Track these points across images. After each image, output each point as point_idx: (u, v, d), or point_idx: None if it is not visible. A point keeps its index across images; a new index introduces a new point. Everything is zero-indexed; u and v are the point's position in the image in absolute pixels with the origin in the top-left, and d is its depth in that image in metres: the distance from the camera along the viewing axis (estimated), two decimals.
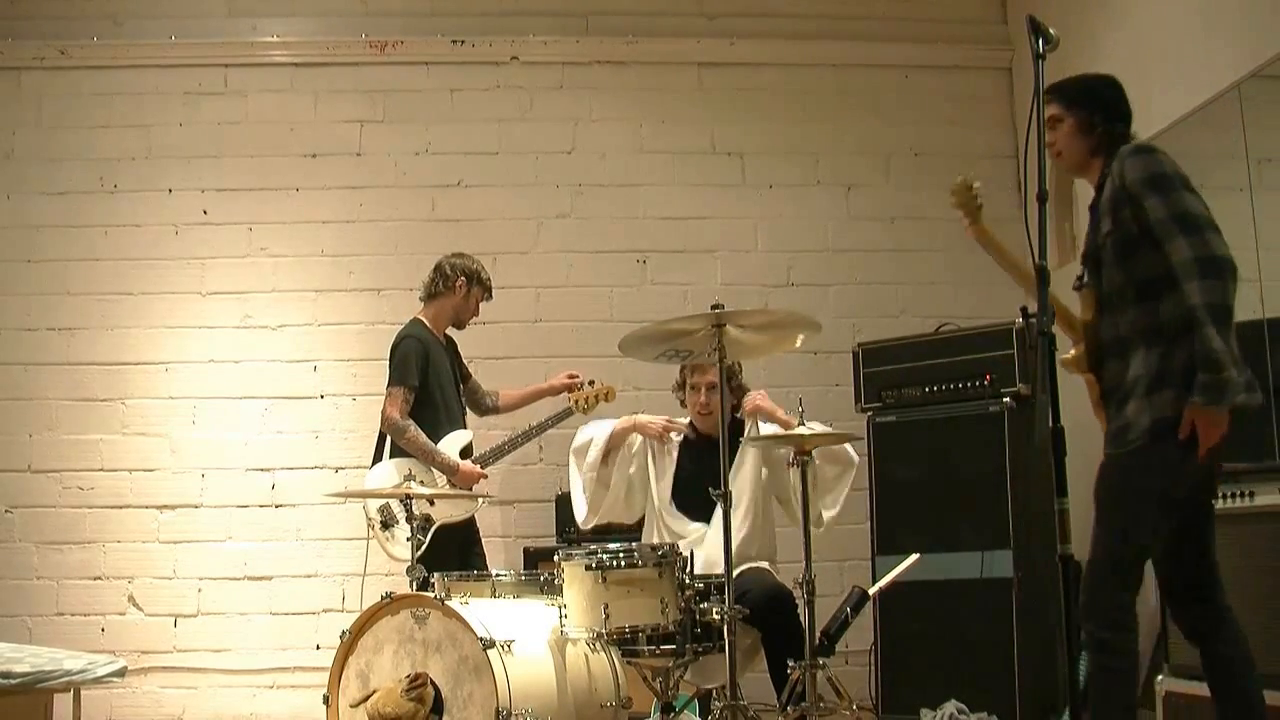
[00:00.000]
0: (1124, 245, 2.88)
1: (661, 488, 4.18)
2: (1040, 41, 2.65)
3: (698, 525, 4.08)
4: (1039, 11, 2.84)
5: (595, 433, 4.25)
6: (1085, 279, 3.03)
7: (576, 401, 4.71)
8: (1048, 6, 4.90)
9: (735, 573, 3.55)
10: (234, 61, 5.75)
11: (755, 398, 4.18)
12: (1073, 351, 3.06)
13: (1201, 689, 2.99)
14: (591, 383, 4.80)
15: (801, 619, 3.59)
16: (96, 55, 5.67)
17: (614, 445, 4.24)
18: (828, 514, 4.05)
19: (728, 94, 5.91)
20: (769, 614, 3.74)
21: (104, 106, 5.68)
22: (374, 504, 4.47)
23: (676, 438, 4.22)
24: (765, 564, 4.06)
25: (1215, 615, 2.84)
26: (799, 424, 3.72)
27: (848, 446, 4.04)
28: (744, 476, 4.10)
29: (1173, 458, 2.75)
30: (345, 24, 5.82)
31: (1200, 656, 2.85)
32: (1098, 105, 3.05)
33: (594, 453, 4.20)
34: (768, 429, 4.11)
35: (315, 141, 5.74)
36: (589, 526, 4.29)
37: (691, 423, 4.25)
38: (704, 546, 3.97)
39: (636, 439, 4.25)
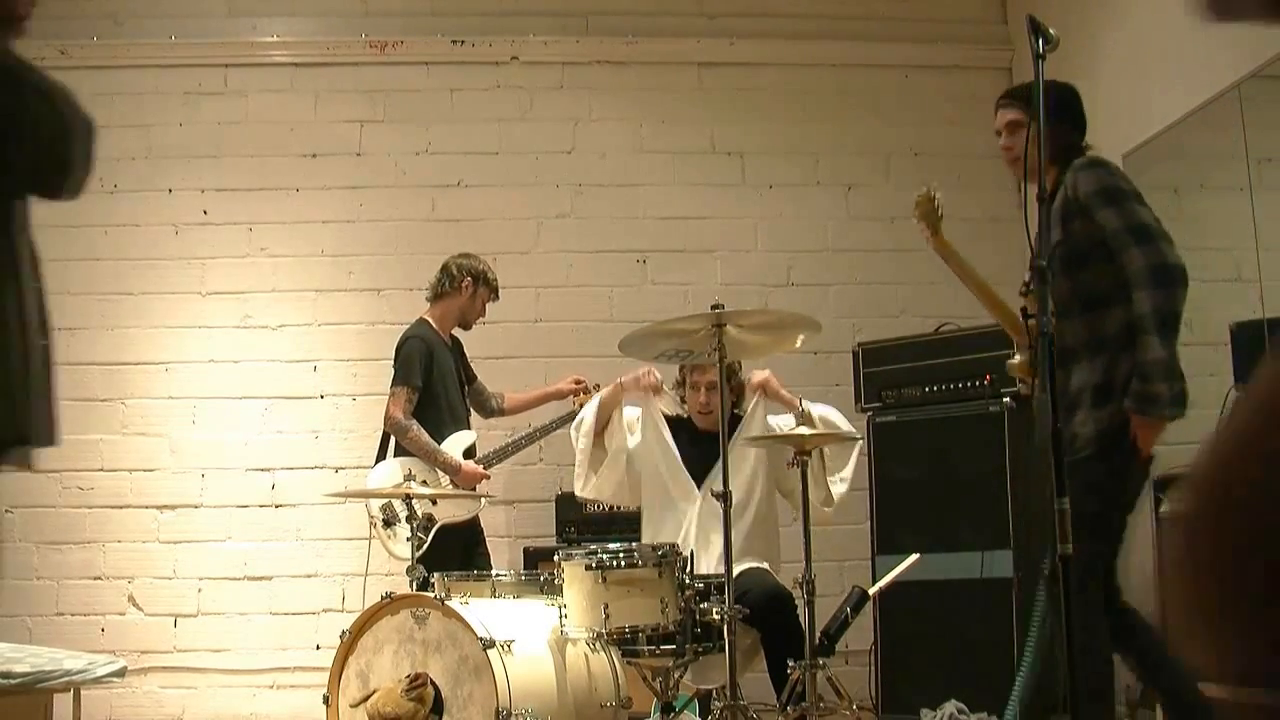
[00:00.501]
0: (1072, 257, 2.92)
1: (666, 455, 4.15)
2: (1040, 41, 2.65)
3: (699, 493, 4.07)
4: (1039, 11, 2.84)
5: (587, 410, 4.29)
6: (1032, 284, 3.04)
7: (582, 405, 4.72)
8: (1048, 6, 4.89)
9: (735, 572, 3.56)
10: (234, 61, 5.75)
11: (763, 374, 4.16)
12: (1019, 357, 3.09)
13: (1204, 688, 2.99)
14: (597, 386, 4.80)
15: (801, 619, 3.59)
16: (96, 55, 5.67)
17: (605, 415, 4.24)
18: (837, 490, 4.04)
19: (728, 94, 5.90)
20: (769, 614, 3.74)
21: (104, 106, 5.67)
22: (376, 502, 4.47)
23: (666, 393, 4.23)
24: (765, 564, 4.06)
25: (1123, 617, 2.88)
26: (800, 407, 3.75)
27: (846, 424, 4.05)
28: (743, 474, 4.09)
29: (1119, 464, 2.81)
30: (345, 24, 5.82)
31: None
32: (1066, 114, 3.07)
33: (589, 421, 4.22)
34: (774, 420, 4.10)
35: (315, 141, 5.74)
36: (586, 495, 4.29)
37: (690, 419, 4.25)
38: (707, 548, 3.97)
39: (630, 413, 4.25)
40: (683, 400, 4.27)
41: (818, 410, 4.01)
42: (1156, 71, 4.58)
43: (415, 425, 4.44)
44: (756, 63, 5.93)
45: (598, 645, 3.43)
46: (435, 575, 3.50)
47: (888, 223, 5.84)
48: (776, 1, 5.99)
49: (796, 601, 3.71)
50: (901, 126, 5.93)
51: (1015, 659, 4.23)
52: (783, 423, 4.05)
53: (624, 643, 3.41)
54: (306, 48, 5.79)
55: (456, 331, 4.78)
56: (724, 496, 3.40)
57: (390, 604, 3.33)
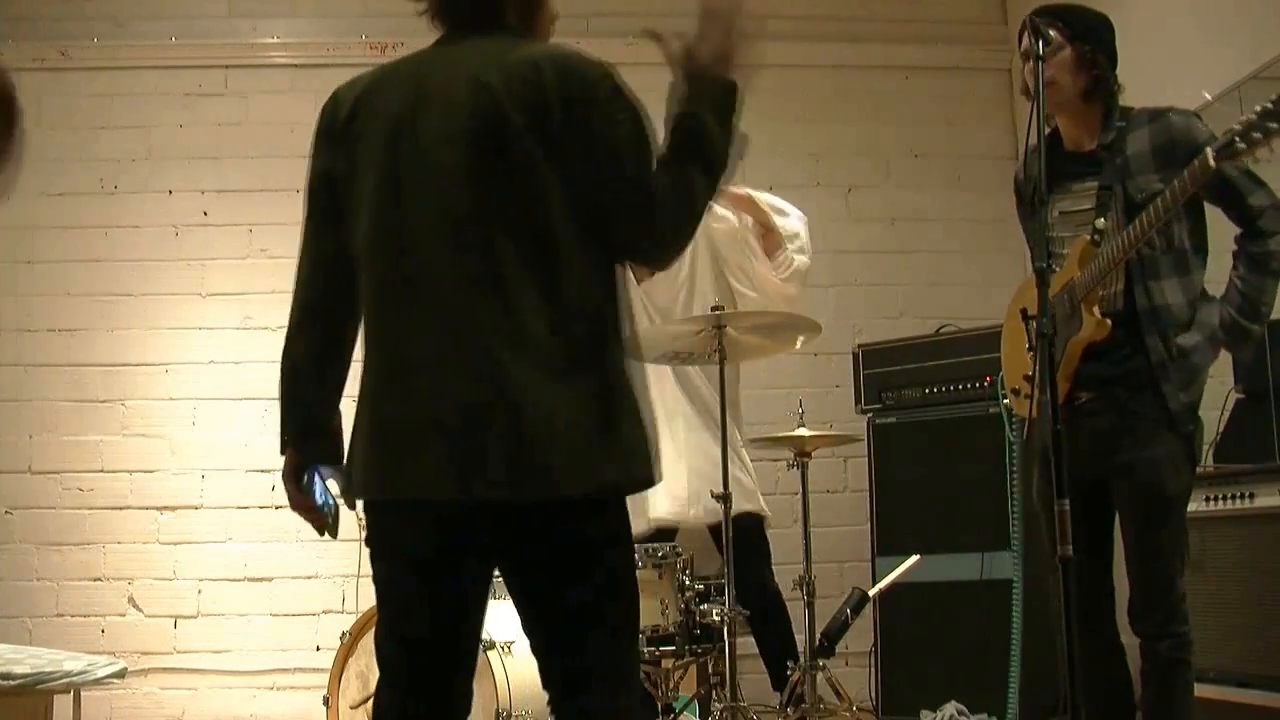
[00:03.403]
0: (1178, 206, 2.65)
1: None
2: (1040, 43, 2.64)
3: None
4: None
5: None
6: (1099, 236, 2.75)
7: None
8: None
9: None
10: (234, 63, 5.74)
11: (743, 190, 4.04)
12: (1097, 311, 2.72)
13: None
14: None
15: (801, 621, 3.59)
16: (97, 56, 5.67)
17: None
18: (799, 260, 4.02)
19: None
20: (761, 617, 3.69)
21: (104, 108, 5.68)
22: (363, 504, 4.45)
23: None
24: (754, 504, 3.89)
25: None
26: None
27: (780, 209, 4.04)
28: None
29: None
30: (345, 25, 5.82)
31: None
32: (1102, 45, 2.87)
33: None
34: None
35: None
36: None
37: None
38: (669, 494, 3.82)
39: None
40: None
41: (764, 198, 3.96)
42: (1155, 73, 4.57)
43: None
44: (756, 64, 5.91)
45: None
46: None
47: (888, 224, 5.84)
48: (776, 2, 5.98)
49: (796, 594, 3.68)
50: (901, 127, 5.92)
51: (1015, 660, 4.24)
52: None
53: None
54: (307, 49, 5.78)
55: None
56: (724, 498, 3.40)
57: None
